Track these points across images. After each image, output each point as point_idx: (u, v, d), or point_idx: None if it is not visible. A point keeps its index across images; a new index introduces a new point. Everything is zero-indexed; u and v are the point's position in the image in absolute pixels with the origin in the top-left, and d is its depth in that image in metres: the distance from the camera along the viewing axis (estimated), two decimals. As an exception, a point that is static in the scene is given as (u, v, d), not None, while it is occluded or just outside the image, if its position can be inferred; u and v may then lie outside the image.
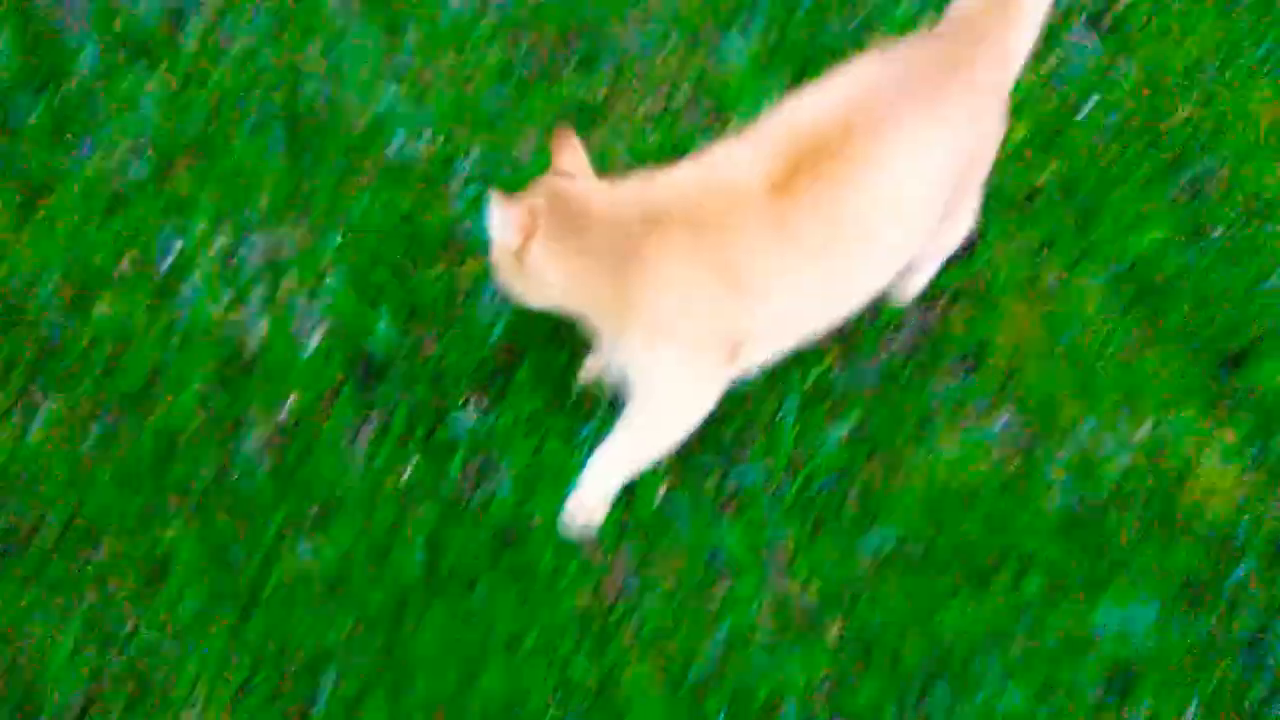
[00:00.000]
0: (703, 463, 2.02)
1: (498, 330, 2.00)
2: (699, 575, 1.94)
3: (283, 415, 1.94)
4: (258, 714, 1.76)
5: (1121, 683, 1.96)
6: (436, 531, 1.90)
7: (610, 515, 1.93)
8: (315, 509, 1.90)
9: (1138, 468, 2.16)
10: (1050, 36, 2.57)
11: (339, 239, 2.02)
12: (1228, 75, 2.65)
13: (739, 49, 2.42)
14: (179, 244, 2.02)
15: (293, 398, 1.96)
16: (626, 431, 1.81)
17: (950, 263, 2.23)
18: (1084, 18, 2.66)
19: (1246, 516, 2.15)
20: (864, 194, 1.58)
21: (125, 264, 2.00)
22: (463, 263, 2.03)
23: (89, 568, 1.81)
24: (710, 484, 2.02)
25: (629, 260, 1.55)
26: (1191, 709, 1.95)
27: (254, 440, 1.93)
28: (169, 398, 1.92)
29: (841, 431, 2.07)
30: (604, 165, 1.89)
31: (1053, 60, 2.59)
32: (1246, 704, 1.97)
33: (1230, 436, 2.21)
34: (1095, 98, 2.53)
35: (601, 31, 2.32)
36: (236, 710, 1.76)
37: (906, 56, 1.74)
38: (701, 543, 1.96)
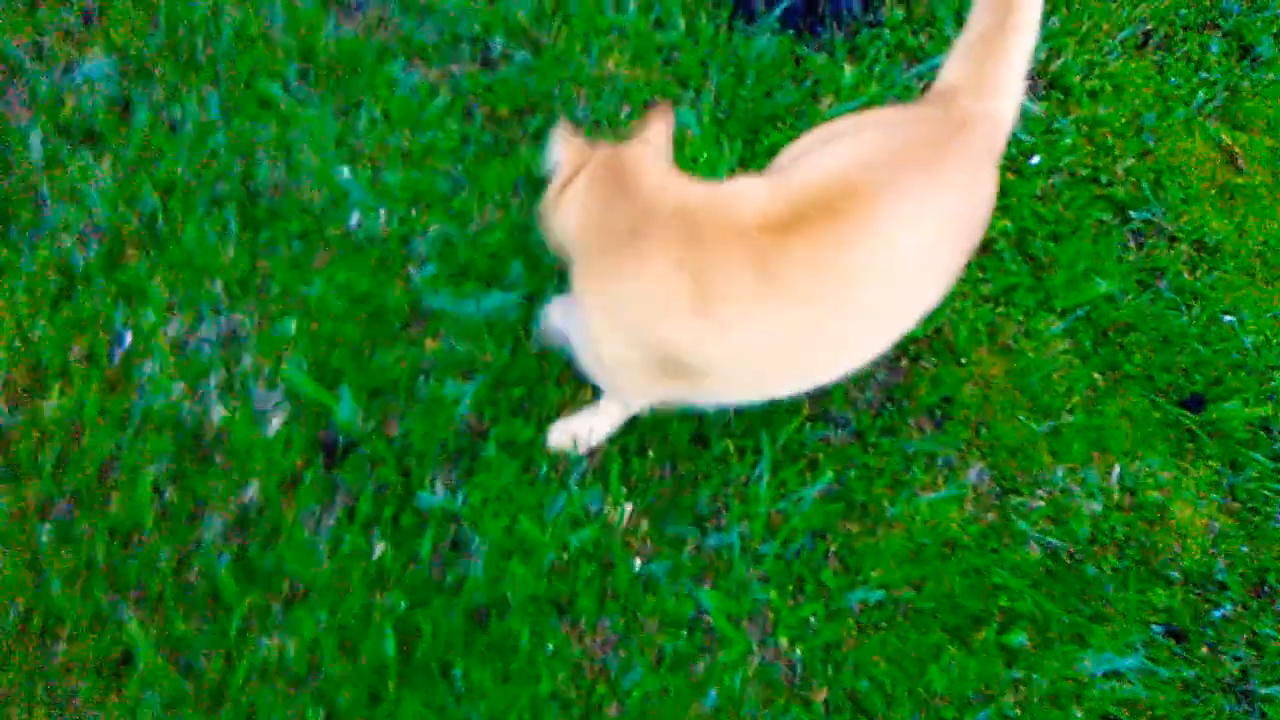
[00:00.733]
0: (679, 531, 1.99)
1: (463, 407, 1.97)
2: (682, 645, 1.89)
3: (244, 503, 1.88)
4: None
5: (1113, 731, 1.94)
6: (408, 616, 1.84)
7: (589, 588, 1.89)
8: (281, 599, 1.83)
9: (1111, 513, 2.16)
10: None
11: (296, 321, 1.98)
12: (1164, 128, 2.74)
13: (690, 120, 2.45)
14: (131, 332, 1.97)
15: (254, 485, 1.90)
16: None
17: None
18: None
19: (1222, 556, 2.16)
20: (855, 256, 1.56)
21: (75, 354, 1.94)
22: (424, 340, 2.00)
23: (48, 666, 1.72)
24: (688, 551, 1.98)
25: (630, 243, 1.54)
26: (1185, 755, 1.93)
27: (214, 530, 1.86)
28: (125, 490, 1.85)
29: (816, 490, 2.05)
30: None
31: (995, 119, 2.65)
32: (1239, 746, 1.95)
33: (1199, 476, 2.23)
34: (1038, 157, 2.58)
35: (555, 105, 2.34)
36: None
37: (907, 125, 1.74)
38: (683, 611, 1.92)
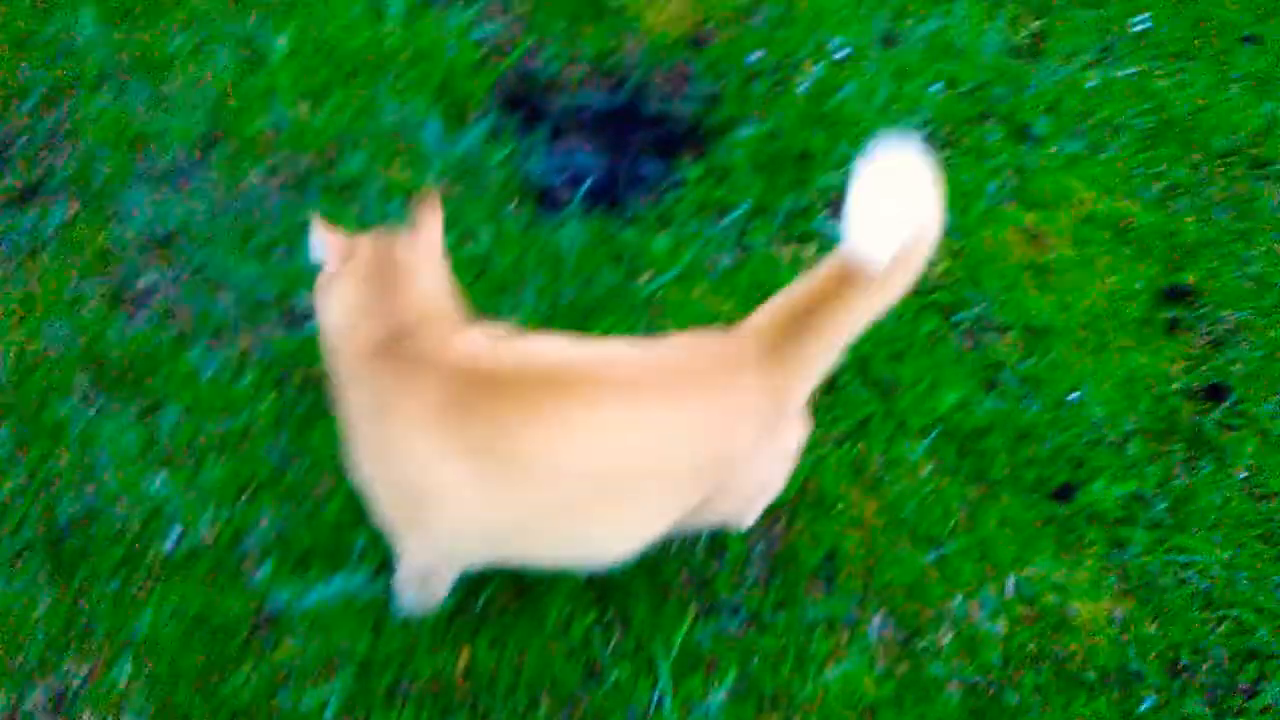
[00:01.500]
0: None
1: (329, 711, 1.81)
2: None
3: None
4: None
5: None
6: None
7: None
8: None
9: (1017, 630, 2.12)
10: (803, 236, 2.68)
11: (131, 665, 1.80)
12: (968, 224, 2.81)
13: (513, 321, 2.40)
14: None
15: None
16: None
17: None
18: (826, 210, 2.78)
19: (1132, 644, 2.13)
20: (550, 436, 1.50)
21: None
22: (275, 649, 1.85)
23: None
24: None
25: (386, 356, 1.50)
26: None
27: None
28: None
29: (722, 693, 1.95)
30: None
31: (810, 253, 2.69)
32: None
33: (1089, 565, 2.21)
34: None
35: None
36: None
37: (688, 347, 1.71)
38: None
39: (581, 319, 2.43)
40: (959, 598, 2.13)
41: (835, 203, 2.80)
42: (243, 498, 2.01)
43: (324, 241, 1.59)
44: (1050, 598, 2.16)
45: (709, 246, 2.66)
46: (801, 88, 3.05)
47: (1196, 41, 3.51)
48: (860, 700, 1.98)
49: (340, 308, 1.58)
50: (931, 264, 2.68)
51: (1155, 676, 2.09)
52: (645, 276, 2.56)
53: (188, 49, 2.74)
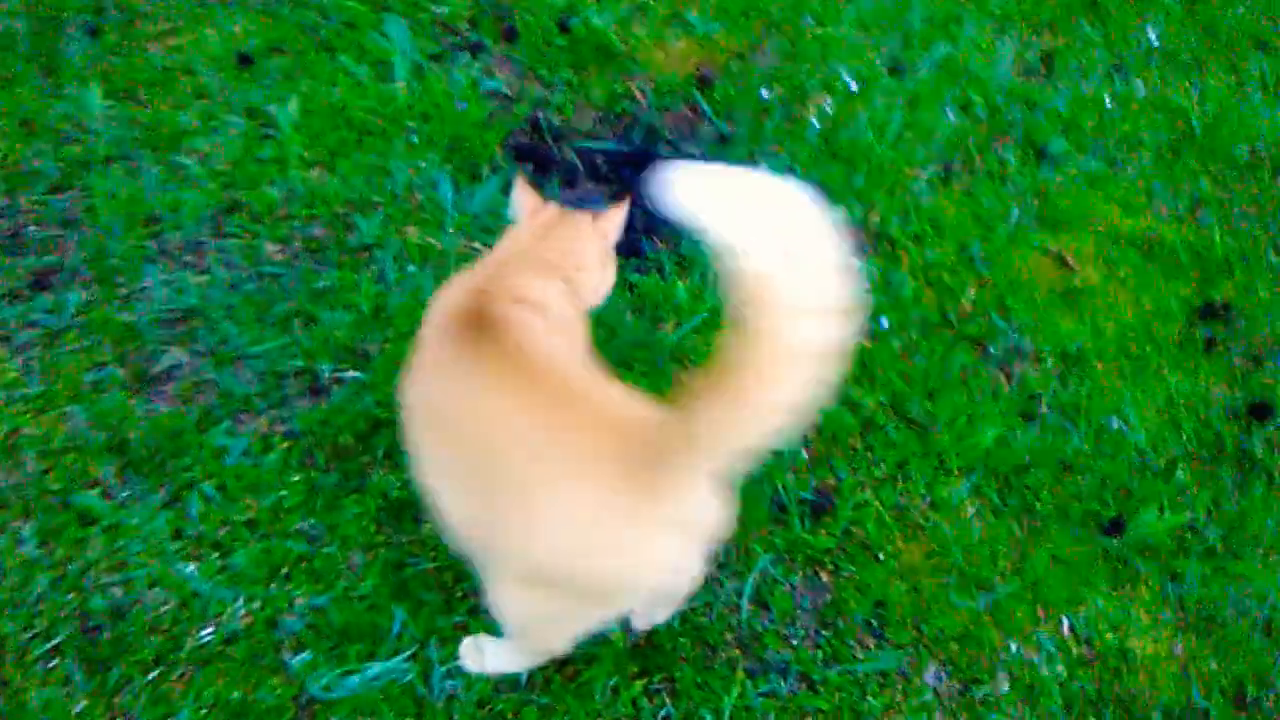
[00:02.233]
0: None
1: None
2: None
3: None
4: None
5: None
6: None
7: None
8: None
9: (1076, 672, 2.05)
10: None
11: (173, 760, 1.76)
12: (992, 252, 2.77)
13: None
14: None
15: None
16: None
17: (817, 530, 2.16)
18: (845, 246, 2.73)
19: (1196, 681, 2.06)
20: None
21: None
22: (320, 733, 1.80)
23: None
24: None
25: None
26: None
27: None
28: None
29: (781, 758, 1.89)
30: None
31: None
32: None
33: (1145, 600, 2.15)
34: (886, 318, 2.56)
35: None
36: None
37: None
38: None
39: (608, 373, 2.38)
40: (1014, 643, 2.07)
41: (858, 237, 2.75)
42: (275, 580, 1.97)
43: (521, 199, 1.81)
44: (1108, 637, 2.10)
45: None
46: (813, 122, 3.01)
47: (1208, 51, 3.47)
48: (922, 757, 1.92)
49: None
50: (958, 295, 2.66)
51: (1221, 713, 2.02)
52: (669, 326, 2.52)
53: (197, 122, 2.72)
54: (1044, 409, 2.45)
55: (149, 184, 2.55)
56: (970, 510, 2.24)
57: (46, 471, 2.05)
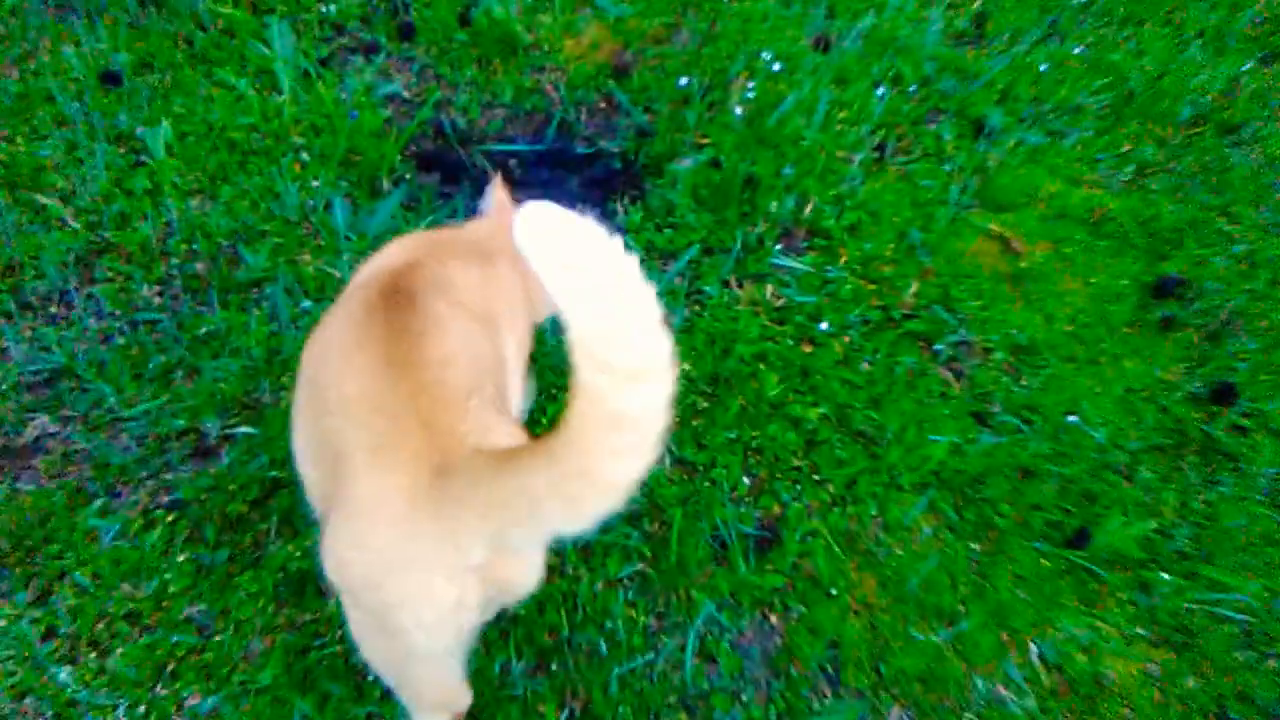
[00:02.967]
0: None
1: None
2: None
3: None
4: None
5: None
6: None
7: None
8: None
9: (1048, 703, 1.88)
10: (758, 275, 2.42)
11: None
12: (933, 239, 2.56)
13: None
14: None
15: None
16: None
17: (763, 567, 1.96)
18: (779, 242, 2.52)
19: (1174, 702, 1.90)
20: None
21: None
22: None
23: None
24: None
25: None
26: None
27: None
28: None
29: (734, 834, 1.70)
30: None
31: (770, 292, 2.43)
32: None
33: (1116, 615, 1.98)
34: (825, 321, 2.36)
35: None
36: None
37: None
38: None
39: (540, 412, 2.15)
40: (980, 679, 1.89)
41: (788, 233, 2.54)
42: (162, 680, 1.73)
43: (495, 196, 1.81)
44: (1080, 660, 1.93)
45: (659, 301, 2.38)
46: (737, 109, 2.78)
47: (1143, 4, 3.28)
48: (889, 815, 1.74)
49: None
50: (899, 288, 2.46)
51: (1204, 735, 1.86)
52: (593, 346, 2.28)
53: (59, 154, 2.43)
54: (996, 409, 2.26)
55: (4, 229, 2.26)
56: (925, 530, 2.06)
57: (-110, 578, 1.79)
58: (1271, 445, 2.25)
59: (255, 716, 1.70)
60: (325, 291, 2.28)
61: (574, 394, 1.03)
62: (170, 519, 1.91)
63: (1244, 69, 3.13)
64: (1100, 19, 3.22)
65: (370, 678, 1.75)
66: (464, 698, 1.53)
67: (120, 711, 1.69)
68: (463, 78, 2.83)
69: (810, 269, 2.47)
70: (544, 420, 2.09)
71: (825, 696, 1.85)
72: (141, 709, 1.70)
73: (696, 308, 2.39)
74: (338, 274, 2.31)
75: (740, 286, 2.46)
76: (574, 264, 0.97)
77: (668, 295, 2.39)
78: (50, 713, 1.69)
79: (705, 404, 2.21)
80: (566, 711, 1.76)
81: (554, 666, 1.81)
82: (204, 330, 2.18)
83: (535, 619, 1.86)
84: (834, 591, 1.96)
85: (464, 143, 2.73)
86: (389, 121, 2.67)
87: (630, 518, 2.01)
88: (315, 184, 2.48)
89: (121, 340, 2.14)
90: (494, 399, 1.41)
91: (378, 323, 1.37)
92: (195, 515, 1.92)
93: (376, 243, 2.36)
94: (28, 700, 1.71)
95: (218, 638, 1.78)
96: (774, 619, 1.93)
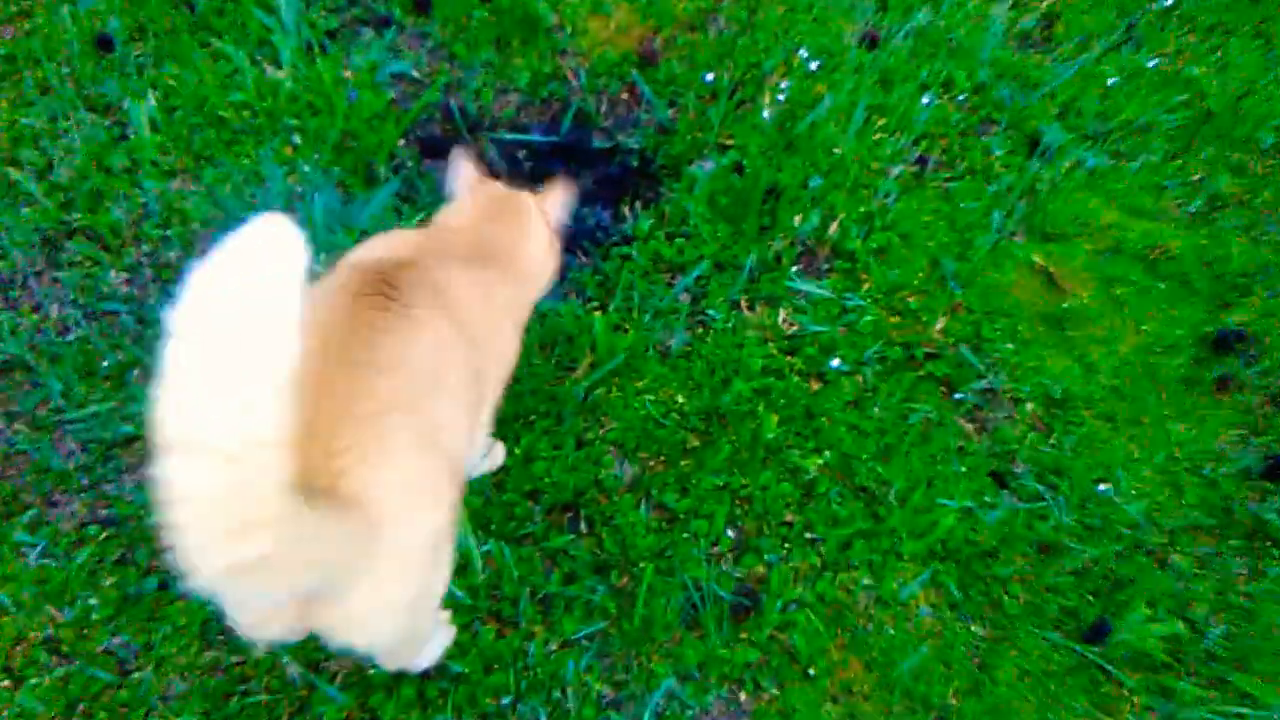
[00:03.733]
0: None
1: None
2: None
3: None
4: None
5: None
6: None
7: None
8: None
9: (1042, 821, 1.65)
10: (771, 297, 2.17)
11: None
12: (968, 269, 2.29)
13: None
14: None
15: None
16: None
17: (736, 638, 1.74)
18: (798, 263, 2.27)
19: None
20: None
21: None
22: None
23: None
24: None
25: None
26: None
27: None
28: None
29: None
30: None
31: (783, 317, 2.19)
32: None
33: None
34: (838, 358, 2.11)
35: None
36: None
37: None
38: None
39: (500, 429, 1.94)
40: (969, 788, 1.66)
41: (809, 252, 2.28)
42: (75, 716, 1.58)
43: (459, 173, 1.70)
44: (1086, 771, 1.69)
45: (658, 322, 2.16)
46: (766, 110, 2.51)
47: (1233, 12, 2.92)
48: None
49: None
50: (925, 323, 2.19)
51: None
52: (580, 369, 2.07)
53: (41, 123, 2.26)
54: (1020, 469, 2.01)
55: (-30, 200, 2.11)
56: (923, 608, 1.82)
57: None
58: (1330, 536, 1.96)
59: (170, 764, 1.55)
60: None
61: None
62: (103, 537, 1.76)
63: (1342, 91, 2.78)
64: (1183, 26, 2.87)
65: (292, 734, 1.58)
66: None
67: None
68: (478, 59, 2.60)
69: (829, 294, 2.22)
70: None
71: (791, 793, 1.64)
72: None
73: (700, 330, 2.16)
74: (320, 269, 2.11)
75: (750, 309, 2.21)
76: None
77: (670, 315, 2.16)
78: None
79: (696, 443, 1.99)
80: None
81: (493, 736, 1.62)
82: (160, 333, 2.00)
83: (480, 679, 1.68)
84: (813, 672, 1.74)
85: (473, 130, 2.51)
86: (393, 103, 2.46)
87: (598, 567, 1.81)
88: (306, 169, 2.28)
89: (79, 332, 1.98)
90: (425, 429, 1.24)
91: (343, 306, 1.29)
92: (129, 535, 1.76)
93: (364, 237, 2.16)
94: (-67, 726, 1.57)
95: (136, 674, 1.63)
96: (743, 698, 1.72)
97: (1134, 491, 2.00)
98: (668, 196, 2.38)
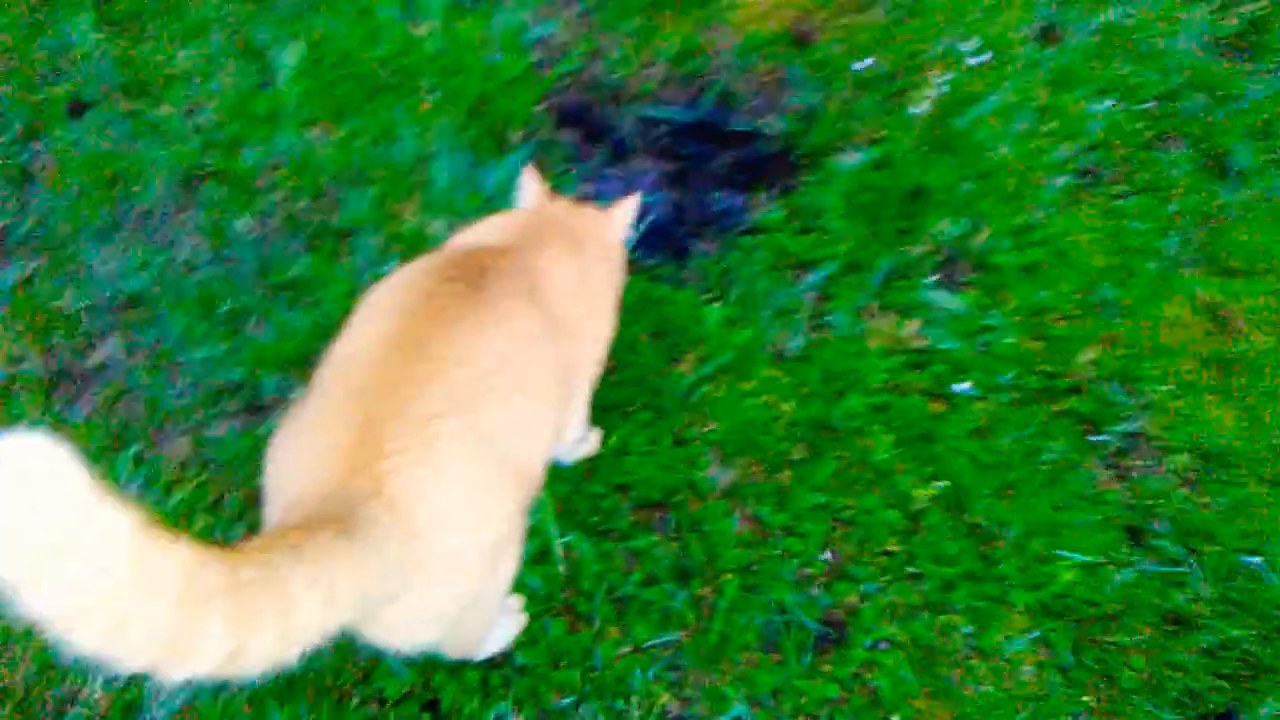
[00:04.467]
0: None
1: None
2: None
3: None
4: None
5: None
6: None
7: None
8: None
9: None
10: (904, 307, 2.00)
11: None
12: (1129, 297, 2.05)
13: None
14: None
15: None
16: None
17: (817, 669, 1.61)
18: (936, 272, 2.08)
19: None
20: None
21: None
22: None
23: None
24: None
25: None
26: None
27: None
28: None
29: None
30: None
31: (912, 329, 2.01)
32: None
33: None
34: (969, 382, 1.92)
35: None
36: None
37: None
38: None
39: (597, 417, 1.84)
40: None
41: (949, 261, 2.09)
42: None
43: (527, 187, 1.64)
44: None
45: (777, 320, 2.02)
46: (923, 104, 2.31)
47: None
48: None
49: None
50: (1072, 353, 1.97)
51: None
52: (687, 363, 1.95)
53: (193, 65, 2.28)
54: (1159, 528, 1.78)
55: (122, 139, 2.14)
56: (1027, 668, 1.64)
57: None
58: None
59: (229, 714, 1.53)
60: (417, 251, 2.04)
61: None
62: (199, 481, 1.76)
63: None
64: None
65: (357, 699, 1.54)
66: None
67: (98, 683, 1.56)
68: (623, 29, 2.48)
69: (967, 310, 2.03)
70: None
71: None
72: (118, 684, 1.57)
73: (820, 334, 2.01)
74: (434, 234, 2.07)
75: (877, 316, 2.04)
76: None
77: (790, 314, 2.01)
78: (36, 664, 1.58)
79: (800, 454, 1.85)
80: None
81: (550, 735, 1.55)
82: (290, 274, 2.00)
83: (546, 673, 1.60)
84: (895, 719, 1.59)
85: (612, 101, 2.41)
86: (532, 68, 2.37)
87: (681, 574, 1.70)
88: (438, 129, 2.22)
89: (205, 272, 1.99)
90: (485, 432, 1.16)
91: (427, 292, 1.24)
92: (224, 481, 1.75)
93: (492, 204, 2.10)
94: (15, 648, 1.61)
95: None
96: (813, 744, 1.59)
97: (1290, 569, 1.74)
98: (803, 188, 2.22)
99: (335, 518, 1.00)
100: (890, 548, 1.76)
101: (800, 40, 2.48)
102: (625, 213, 1.68)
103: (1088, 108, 2.31)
